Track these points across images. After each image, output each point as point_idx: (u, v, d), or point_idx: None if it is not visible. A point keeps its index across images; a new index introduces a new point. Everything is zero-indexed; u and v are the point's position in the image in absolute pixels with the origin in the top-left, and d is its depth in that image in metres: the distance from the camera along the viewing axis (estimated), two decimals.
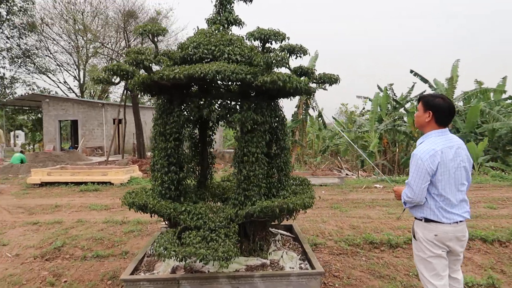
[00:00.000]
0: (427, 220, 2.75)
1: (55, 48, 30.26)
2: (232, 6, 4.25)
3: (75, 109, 23.23)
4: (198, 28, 4.06)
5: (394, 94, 22.11)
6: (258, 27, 3.52)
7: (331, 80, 4.08)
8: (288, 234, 4.77)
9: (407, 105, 21.72)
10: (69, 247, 5.52)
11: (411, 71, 20.83)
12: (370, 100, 23.18)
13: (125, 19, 27.81)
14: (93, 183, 11.30)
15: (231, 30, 4.25)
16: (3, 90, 27.20)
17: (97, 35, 29.58)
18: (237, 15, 4.26)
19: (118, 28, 25.69)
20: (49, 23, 28.83)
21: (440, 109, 2.75)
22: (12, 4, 24.20)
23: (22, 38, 26.61)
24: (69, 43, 30.22)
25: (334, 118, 34.66)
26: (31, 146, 33.16)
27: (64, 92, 31.39)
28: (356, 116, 29.72)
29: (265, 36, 3.39)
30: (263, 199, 3.72)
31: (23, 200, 9.41)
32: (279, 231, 4.81)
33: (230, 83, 3.76)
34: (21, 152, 17.72)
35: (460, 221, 2.73)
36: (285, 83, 3.22)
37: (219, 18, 4.14)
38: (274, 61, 3.25)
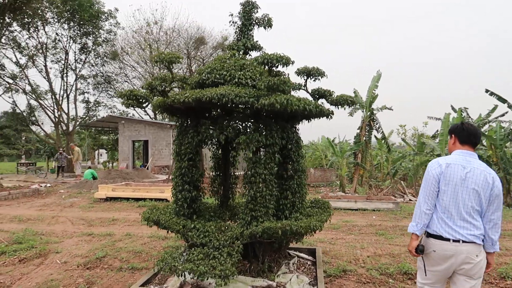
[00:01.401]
0: (429, 235, 2.86)
1: (132, 74, 33.05)
2: (251, 33, 4.43)
3: (146, 130, 24.96)
4: (217, 55, 4.28)
5: (469, 116, 20.61)
6: (264, 52, 3.64)
7: (347, 102, 4.05)
8: (307, 257, 4.68)
9: (485, 127, 20.07)
10: (110, 258, 5.94)
11: (487, 91, 19.34)
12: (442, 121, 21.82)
13: (191, 45, 29.68)
14: (151, 199, 12.01)
15: (250, 55, 4.42)
16: (88, 113, 30.20)
17: None
18: (257, 41, 4.42)
19: (186, 55, 27.61)
20: (128, 52, 31.66)
21: (459, 130, 2.96)
22: (97, 35, 27.09)
23: (104, 66, 29.54)
24: (145, 69, 32.80)
25: (403, 140, 33.03)
26: (110, 164, 36.09)
27: (139, 114, 33.91)
28: (426, 138, 27.99)
29: (268, 61, 3.49)
30: (272, 220, 3.74)
31: (87, 213, 10.30)
32: (300, 254, 4.74)
33: (242, 106, 3.89)
34: (89, 168, 19.42)
35: (464, 241, 2.70)
36: (283, 106, 3.27)
37: (238, 44, 4.33)
38: (274, 84, 3.32)
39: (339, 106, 4.16)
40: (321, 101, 4.30)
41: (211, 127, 3.92)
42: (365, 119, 22.88)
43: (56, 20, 25.78)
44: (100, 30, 27.00)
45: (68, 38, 26.67)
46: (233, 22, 4.47)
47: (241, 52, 4.29)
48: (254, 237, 3.56)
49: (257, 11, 4.45)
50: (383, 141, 22.43)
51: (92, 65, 28.79)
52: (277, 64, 3.56)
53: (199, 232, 3.68)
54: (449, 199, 2.75)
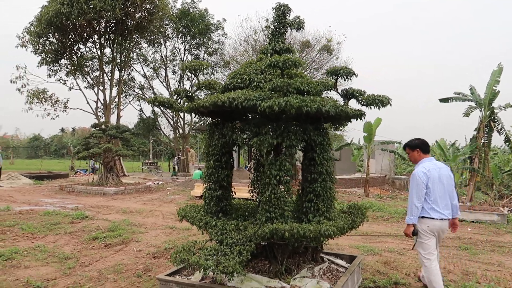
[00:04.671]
0: (423, 217, 4.16)
1: None
2: (283, 37, 4.46)
3: None
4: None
5: None
6: (275, 56, 3.65)
7: (375, 102, 3.86)
8: (343, 264, 4.48)
9: None
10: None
11: None
12: None
13: (300, 49, 29.99)
14: (239, 198, 12.59)
15: None
16: (200, 118, 32.87)
17: None
18: (288, 44, 4.44)
19: None
20: (238, 59, 33.51)
21: (422, 145, 4.40)
22: (208, 46, 29.42)
23: (214, 74, 31.76)
24: None
25: None
26: None
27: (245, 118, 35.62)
28: None
29: (274, 63, 3.49)
30: (290, 222, 3.73)
31: None
32: (336, 260, 4.57)
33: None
34: (199, 169, 21.05)
35: (443, 219, 4.15)
36: (281, 107, 3.27)
37: (267, 48, 4.42)
38: (277, 86, 3.34)
39: (371, 107, 3.94)
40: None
41: (234, 129, 4.09)
42: (483, 119, 20.33)
43: (174, 35, 28.79)
44: (210, 40, 29.19)
45: (184, 50, 29.53)
46: (267, 26, 4.56)
47: (269, 56, 4.35)
48: (264, 238, 3.60)
49: (289, 14, 4.46)
50: (507, 144, 19.67)
51: (204, 74, 31.25)
52: (285, 66, 3.53)
53: (218, 230, 3.87)
54: (436, 194, 4.12)
